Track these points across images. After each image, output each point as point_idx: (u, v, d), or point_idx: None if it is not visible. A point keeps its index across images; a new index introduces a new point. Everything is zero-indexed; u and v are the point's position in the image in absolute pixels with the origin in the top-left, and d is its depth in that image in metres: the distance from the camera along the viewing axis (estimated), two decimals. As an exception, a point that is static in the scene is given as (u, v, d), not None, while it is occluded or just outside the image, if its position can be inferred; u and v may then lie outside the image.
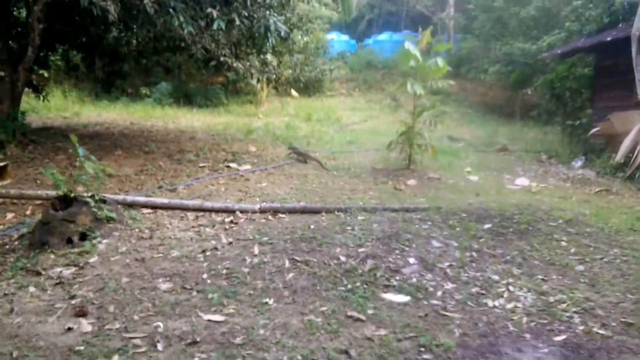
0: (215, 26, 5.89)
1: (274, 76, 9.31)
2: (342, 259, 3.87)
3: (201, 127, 12.51)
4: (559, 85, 11.13)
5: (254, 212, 5.35)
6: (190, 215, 5.28)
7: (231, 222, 5.04)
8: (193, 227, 4.87)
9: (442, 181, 7.36)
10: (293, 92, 15.58)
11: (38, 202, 5.75)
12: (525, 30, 15.15)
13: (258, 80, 10.00)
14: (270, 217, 5.21)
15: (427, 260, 3.85)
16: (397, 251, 4.02)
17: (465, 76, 20.29)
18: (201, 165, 8.00)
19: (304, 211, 5.36)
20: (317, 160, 8.95)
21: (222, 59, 8.25)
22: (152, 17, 6.09)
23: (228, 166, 7.98)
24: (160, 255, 4.06)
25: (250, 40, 9.50)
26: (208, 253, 4.09)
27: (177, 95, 16.92)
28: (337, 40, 22.08)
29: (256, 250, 4.12)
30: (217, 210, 5.38)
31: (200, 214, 5.34)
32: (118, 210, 4.88)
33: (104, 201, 4.77)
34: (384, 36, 22.73)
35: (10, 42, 9.43)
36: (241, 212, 5.33)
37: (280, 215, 5.27)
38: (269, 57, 9.84)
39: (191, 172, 7.49)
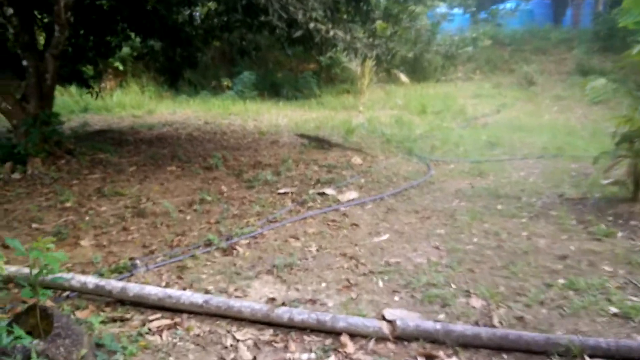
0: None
1: (387, 53, 6.29)
2: None
3: (287, 125, 9.82)
4: None
5: (380, 337, 2.38)
6: (245, 337, 2.45)
7: (332, 377, 2.12)
8: (243, 397, 2.01)
9: None
10: (402, 76, 12.33)
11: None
12: None
13: (364, 59, 6.98)
14: (422, 360, 2.22)
15: None
16: None
17: (621, 50, 15.80)
18: (282, 191, 5.20)
19: (501, 347, 2.28)
20: (349, 146, 7.28)
21: (311, 25, 5.37)
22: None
23: (322, 193, 5.10)
24: None
25: (354, 2, 6.54)
26: None
27: (263, 86, 14.47)
28: (448, 13, 18.28)
29: None
30: (301, 328, 2.50)
31: (265, 334, 2.49)
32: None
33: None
34: (509, 6, 18.51)
35: (39, 22, 7.37)
36: (352, 335, 2.40)
37: (443, 354, 2.25)
38: (378, 25, 6.82)
39: (265, 206, 4.71)
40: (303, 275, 3.21)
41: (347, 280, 3.12)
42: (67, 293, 2.89)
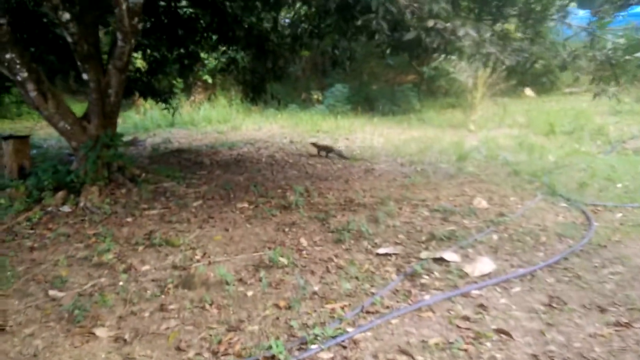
0: None
1: (527, 61, 4.62)
2: None
3: (384, 147, 8.35)
4: None
5: None
6: None
7: None
8: None
9: None
10: (527, 90, 10.28)
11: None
12: None
13: (494, 68, 5.35)
14: None
15: None
16: None
17: None
18: (381, 251, 3.74)
19: None
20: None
21: (429, 23, 3.91)
22: None
23: (440, 258, 3.55)
24: None
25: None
26: None
27: (356, 99, 13.15)
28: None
29: None
30: None
31: None
32: None
33: None
34: (649, 3, 15.48)
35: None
36: None
37: None
38: (511, 26, 5.16)
39: (359, 278, 3.27)
40: None
41: None
42: None
